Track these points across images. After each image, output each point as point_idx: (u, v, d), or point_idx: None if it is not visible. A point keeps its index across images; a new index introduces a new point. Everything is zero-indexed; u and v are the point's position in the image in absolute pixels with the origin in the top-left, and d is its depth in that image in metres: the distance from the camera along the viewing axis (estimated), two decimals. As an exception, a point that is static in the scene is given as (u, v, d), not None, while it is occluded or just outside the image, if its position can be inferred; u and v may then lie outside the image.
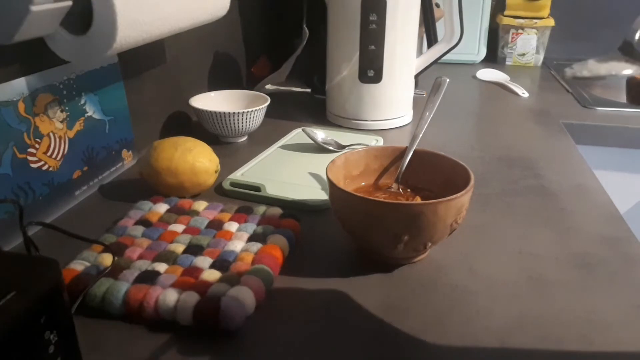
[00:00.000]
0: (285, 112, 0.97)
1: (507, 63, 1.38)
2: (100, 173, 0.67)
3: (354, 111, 0.88)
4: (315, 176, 0.68)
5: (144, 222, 0.54)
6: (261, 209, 0.57)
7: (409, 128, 0.90)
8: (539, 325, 0.43)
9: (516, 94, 1.11)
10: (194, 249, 0.50)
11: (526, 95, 1.10)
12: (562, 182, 0.68)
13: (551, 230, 0.57)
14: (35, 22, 0.47)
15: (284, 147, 0.79)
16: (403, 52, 0.84)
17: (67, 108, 0.59)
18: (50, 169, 0.57)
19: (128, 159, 0.72)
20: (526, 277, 0.49)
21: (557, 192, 0.66)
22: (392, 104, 0.87)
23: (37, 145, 0.55)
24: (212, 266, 0.47)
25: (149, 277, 0.45)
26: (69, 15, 0.50)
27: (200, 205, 0.58)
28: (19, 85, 0.52)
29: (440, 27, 0.96)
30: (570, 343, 0.41)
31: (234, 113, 0.76)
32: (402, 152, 0.57)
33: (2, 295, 0.29)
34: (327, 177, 0.50)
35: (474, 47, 1.37)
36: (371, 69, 0.84)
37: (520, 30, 1.34)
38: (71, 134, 0.60)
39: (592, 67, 0.31)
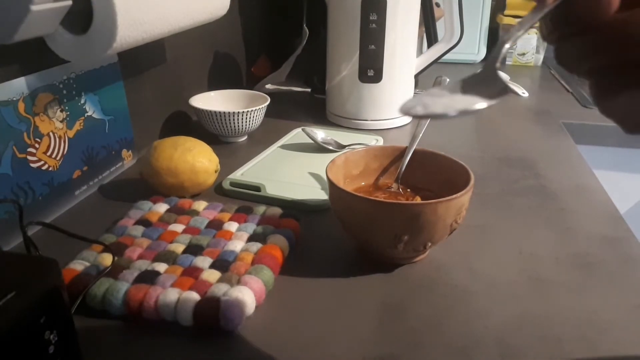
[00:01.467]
0: (285, 112, 0.97)
1: (507, 63, 1.38)
2: (100, 173, 0.67)
3: (354, 111, 0.88)
4: (315, 176, 0.68)
5: (143, 222, 0.54)
6: (261, 208, 0.57)
7: (409, 128, 0.90)
8: (539, 325, 0.43)
9: (516, 93, 1.11)
10: (193, 249, 0.50)
11: (526, 95, 1.10)
12: (562, 182, 0.68)
13: (551, 230, 0.57)
14: (35, 21, 0.47)
15: (283, 146, 0.79)
16: (403, 52, 0.84)
17: (67, 108, 0.59)
18: (50, 168, 0.57)
19: (128, 159, 0.72)
20: (526, 277, 0.49)
21: (557, 192, 0.66)
22: (392, 104, 0.87)
23: (37, 145, 0.55)
24: (212, 266, 0.47)
25: (149, 277, 0.45)
26: (69, 14, 0.50)
27: (200, 205, 0.58)
28: (19, 85, 0.52)
29: (440, 27, 0.96)
30: (570, 343, 0.41)
31: (234, 113, 0.76)
32: (402, 152, 0.57)
33: (2, 295, 0.29)
34: (327, 177, 0.50)
35: (474, 47, 1.37)
36: (371, 68, 0.84)
37: (520, 30, 1.34)
38: (71, 133, 0.60)
39: (428, 102, 0.23)
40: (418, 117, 0.23)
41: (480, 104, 0.23)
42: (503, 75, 0.24)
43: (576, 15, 0.23)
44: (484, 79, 0.25)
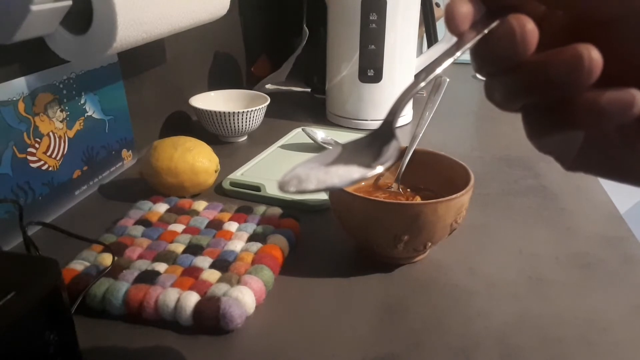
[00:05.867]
0: (285, 112, 0.97)
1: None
2: (100, 173, 0.67)
3: (354, 111, 0.88)
4: (315, 176, 0.68)
5: (143, 222, 0.54)
6: (261, 208, 0.57)
7: (409, 128, 0.90)
8: (539, 325, 0.43)
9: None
10: (193, 249, 0.50)
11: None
12: (562, 182, 0.68)
13: (551, 230, 0.57)
14: (35, 21, 0.47)
15: (283, 146, 0.79)
16: (403, 52, 0.84)
17: (67, 108, 0.59)
18: (50, 168, 0.57)
19: (128, 159, 0.72)
20: (526, 277, 0.49)
21: (557, 192, 0.66)
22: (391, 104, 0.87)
23: (37, 145, 0.55)
24: (212, 266, 0.47)
25: (149, 277, 0.45)
26: (69, 14, 0.50)
27: (200, 205, 0.58)
28: (19, 85, 0.52)
29: (440, 27, 0.96)
30: (570, 343, 0.41)
31: (234, 113, 0.76)
32: (402, 152, 0.57)
33: (2, 295, 0.29)
34: (327, 177, 0.50)
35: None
36: (371, 68, 0.84)
37: (520, 30, 1.34)
38: (71, 133, 0.60)
39: (302, 177, 0.22)
40: (291, 194, 0.22)
41: (357, 175, 0.22)
42: (399, 136, 0.22)
43: (495, 54, 0.22)
44: (375, 140, 0.23)
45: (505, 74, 0.22)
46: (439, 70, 0.23)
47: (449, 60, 0.23)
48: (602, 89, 0.20)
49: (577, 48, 0.20)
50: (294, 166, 0.23)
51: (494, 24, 0.22)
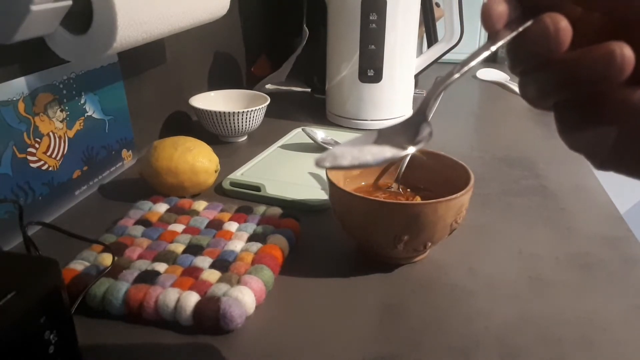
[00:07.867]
0: (285, 112, 0.97)
1: (507, 63, 1.38)
2: (100, 173, 0.67)
3: (354, 111, 0.88)
4: (315, 176, 0.68)
5: (143, 222, 0.54)
6: (261, 208, 0.57)
7: (409, 128, 0.90)
8: (539, 325, 0.43)
9: (516, 93, 1.11)
10: (193, 249, 0.50)
11: (526, 95, 1.09)
12: (562, 182, 0.68)
13: (551, 230, 0.57)
14: (35, 21, 0.47)
15: (283, 146, 0.79)
16: (403, 52, 0.84)
17: (67, 108, 0.59)
18: (50, 168, 0.57)
19: (128, 159, 0.72)
20: (526, 277, 0.49)
21: (557, 192, 0.66)
22: (392, 104, 0.87)
23: (37, 145, 0.55)
24: (212, 266, 0.47)
25: (149, 277, 0.45)
26: (69, 14, 0.50)
27: (200, 205, 0.58)
28: (19, 85, 0.52)
29: (440, 27, 0.96)
30: (570, 343, 0.41)
31: (234, 113, 0.76)
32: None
33: (2, 295, 0.29)
34: (327, 177, 0.50)
35: (474, 47, 1.36)
36: (371, 68, 0.84)
37: (520, 30, 1.34)
38: (71, 133, 0.60)
39: (338, 154, 0.23)
40: (327, 169, 0.23)
41: (389, 154, 0.23)
42: (431, 117, 0.25)
43: (529, 51, 0.23)
44: (409, 125, 0.25)
45: (538, 71, 0.23)
46: (474, 63, 0.24)
47: (485, 54, 0.24)
48: (635, 87, 0.21)
49: (609, 45, 0.20)
50: (333, 147, 0.24)
51: (528, 23, 0.22)
